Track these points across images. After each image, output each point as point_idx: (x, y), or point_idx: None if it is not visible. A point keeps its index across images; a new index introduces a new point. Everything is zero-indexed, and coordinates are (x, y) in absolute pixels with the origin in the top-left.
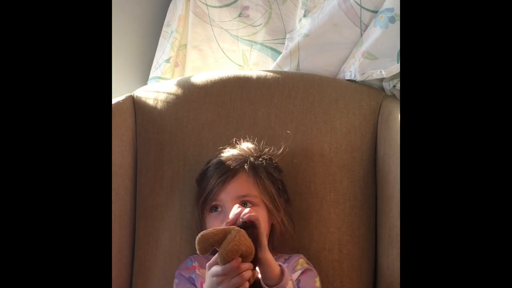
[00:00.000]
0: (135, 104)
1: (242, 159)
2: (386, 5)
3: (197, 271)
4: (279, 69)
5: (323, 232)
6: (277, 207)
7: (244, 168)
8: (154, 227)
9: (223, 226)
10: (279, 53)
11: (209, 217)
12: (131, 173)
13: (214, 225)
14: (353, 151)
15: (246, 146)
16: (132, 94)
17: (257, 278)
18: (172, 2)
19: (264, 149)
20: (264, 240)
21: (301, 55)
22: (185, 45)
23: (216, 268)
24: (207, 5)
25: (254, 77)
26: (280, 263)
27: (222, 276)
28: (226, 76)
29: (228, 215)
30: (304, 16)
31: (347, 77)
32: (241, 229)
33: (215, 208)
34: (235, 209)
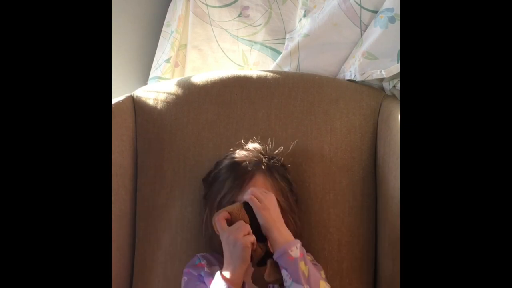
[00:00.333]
0: (135, 104)
1: (257, 161)
2: (386, 5)
3: (206, 269)
4: (279, 69)
5: (322, 233)
6: (292, 207)
7: (261, 169)
8: (155, 227)
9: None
10: (279, 53)
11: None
12: (131, 173)
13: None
14: (353, 151)
15: (253, 146)
16: (132, 94)
17: (269, 252)
18: (172, 2)
19: (274, 150)
20: (268, 220)
21: (301, 55)
22: (185, 45)
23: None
24: (207, 5)
25: (254, 77)
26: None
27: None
28: (226, 76)
29: None
30: (304, 16)
31: (347, 77)
32: (243, 204)
33: None
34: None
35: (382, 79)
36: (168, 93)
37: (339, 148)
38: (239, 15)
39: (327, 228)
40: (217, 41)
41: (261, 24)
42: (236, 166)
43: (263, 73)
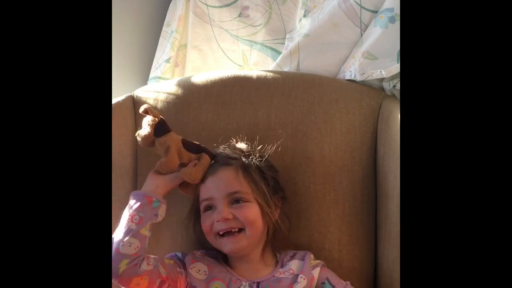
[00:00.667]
0: (135, 104)
1: (234, 156)
2: (386, 5)
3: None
4: (279, 69)
5: (322, 232)
6: (269, 203)
7: (234, 162)
8: (155, 226)
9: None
10: (279, 53)
11: (203, 216)
12: (131, 174)
13: (207, 223)
14: (353, 151)
15: (238, 145)
16: (132, 94)
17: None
18: (172, 2)
19: (256, 148)
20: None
21: (301, 55)
22: (185, 45)
23: None
24: (207, 5)
25: (254, 77)
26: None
27: None
28: (226, 76)
29: (221, 212)
30: (304, 16)
31: (347, 77)
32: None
33: (209, 207)
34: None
35: (382, 79)
36: (168, 93)
37: (339, 148)
38: (239, 15)
39: (327, 228)
40: (217, 41)
41: (261, 24)
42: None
43: (263, 73)
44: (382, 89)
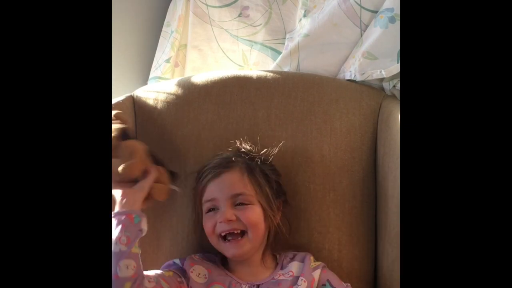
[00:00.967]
0: (135, 104)
1: (238, 158)
2: (386, 5)
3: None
4: (279, 69)
5: (322, 232)
6: (272, 207)
7: (239, 164)
8: (155, 227)
9: None
10: (279, 53)
11: (205, 217)
12: None
13: (210, 224)
14: (353, 151)
15: (242, 147)
16: (132, 94)
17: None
18: (172, 2)
19: (261, 150)
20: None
21: (301, 55)
22: (185, 45)
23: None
24: (207, 5)
25: (254, 77)
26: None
27: None
28: (226, 76)
29: (224, 212)
30: (304, 16)
31: (347, 77)
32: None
33: (212, 208)
34: None
35: (382, 79)
36: (168, 93)
37: (339, 148)
38: (239, 15)
39: (327, 228)
40: (217, 41)
41: (261, 24)
42: (217, 161)
43: (263, 73)
44: (382, 89)
